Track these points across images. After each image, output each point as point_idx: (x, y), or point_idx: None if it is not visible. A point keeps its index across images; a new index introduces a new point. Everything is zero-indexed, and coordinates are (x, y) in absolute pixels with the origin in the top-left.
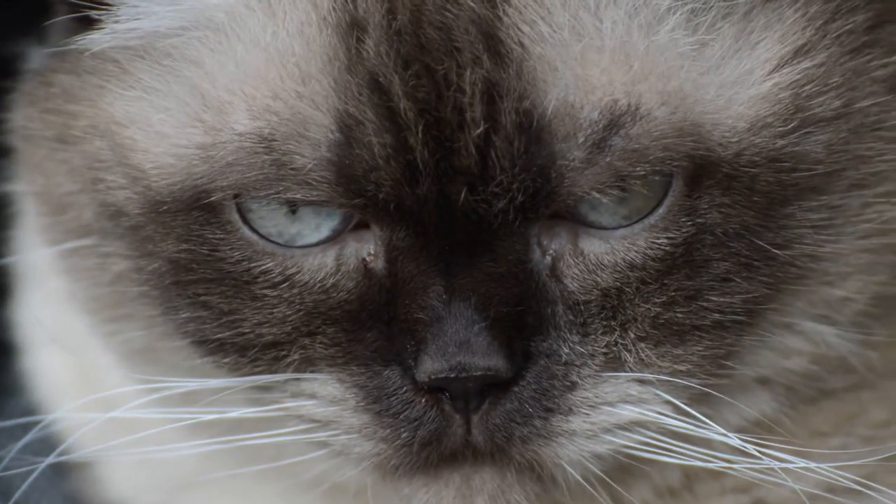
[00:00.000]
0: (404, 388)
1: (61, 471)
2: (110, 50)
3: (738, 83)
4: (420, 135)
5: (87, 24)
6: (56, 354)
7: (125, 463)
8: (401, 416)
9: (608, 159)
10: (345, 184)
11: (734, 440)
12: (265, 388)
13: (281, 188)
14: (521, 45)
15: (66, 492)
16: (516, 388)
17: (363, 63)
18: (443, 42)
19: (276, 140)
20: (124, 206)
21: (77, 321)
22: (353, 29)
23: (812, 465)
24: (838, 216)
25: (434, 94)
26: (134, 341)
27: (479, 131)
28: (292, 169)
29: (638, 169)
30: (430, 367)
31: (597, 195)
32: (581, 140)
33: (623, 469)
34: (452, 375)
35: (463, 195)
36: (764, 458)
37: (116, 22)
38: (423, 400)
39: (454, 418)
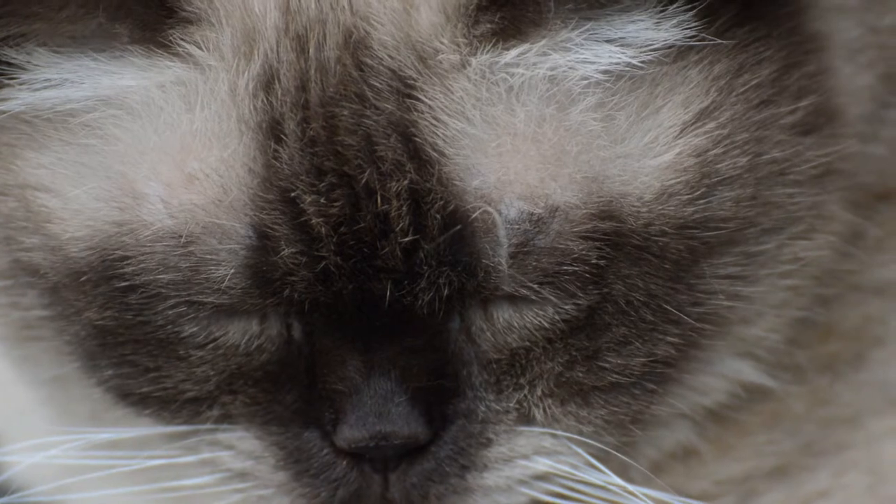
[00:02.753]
0: (324, 451)
1: None
2: (22, 113)
3: (644, 153)
4: (333, 246)
5: None
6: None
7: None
8: (321, 477)
9: (529, 258)
10: (260, 286)
11: (637, 494)
12: (184, 436)
13: (193, 291)
14: (438, 147)
15: None
16: (434, 449)
17: (278, 174)
18: (361, 150)
19: (194, 244)
20: (42, 268)
21: None
22: (270, 136)
23: None
24: (753, 263)
25: (351, 205)
26: (50, 389)
27: (407, 240)
28: (207, 278)
29: (556, 261)
30: (349, 435)
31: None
32: (502, 236)
33: None
34: (372, 444)
35: (388, 292)
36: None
37: (29, 87)
38: (344, 462)
39: (373, 479)
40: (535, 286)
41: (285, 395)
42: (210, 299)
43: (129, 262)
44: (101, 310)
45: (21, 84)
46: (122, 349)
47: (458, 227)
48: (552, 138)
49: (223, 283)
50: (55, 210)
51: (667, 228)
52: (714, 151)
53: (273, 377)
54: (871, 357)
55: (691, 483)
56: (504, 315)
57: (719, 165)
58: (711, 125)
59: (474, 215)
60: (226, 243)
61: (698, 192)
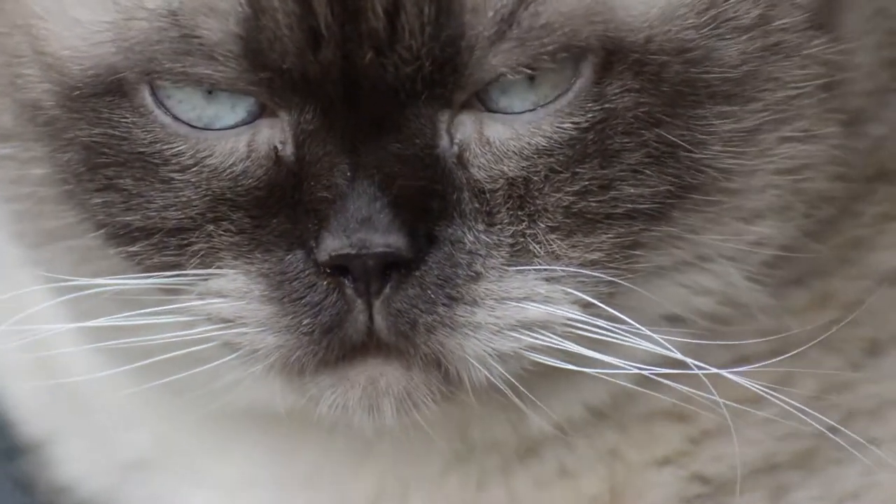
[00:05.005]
0: (306, 272)
1: (11, 454)
2: None
3: None
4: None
5: None
6: None
7: (77, 443)
8: (302, 302)
9: (516, 33)
10: (251, 57)
11: (647, 332)
12: (174, 292)
13: (188, 62)
14: None
15: (15, 476)
16: (418, 273)
17: None
18: None
19: (184, 14)
20: (40, 100)
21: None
22: None
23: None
24: (752, 144)
25: None
26: (54, 256)
27: None
28: (199, 43)
29: (546, 46)
30: (329, 244)
31: (506, 72)
32: (490, 14)
33: (543, 380)
34: (353, 252)
35: (369, 58)
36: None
37: None
38: (325, 283)
39: (356, 302)
40: (521, 68)
41: (271, 219)
42: (206, 70)
43: (123, 61)
44: (91, 126)
45: None
46: (106, 171)
47: None
48: None
49: (213, 46)
50: (55, 31)
51: (667, 47)
52: None
53: (259, 202)
54: (891, 350)
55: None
56: (500, 136)
57: (729, 7)
58: None
59: None
60: (217, 5)
61: (703, 20)
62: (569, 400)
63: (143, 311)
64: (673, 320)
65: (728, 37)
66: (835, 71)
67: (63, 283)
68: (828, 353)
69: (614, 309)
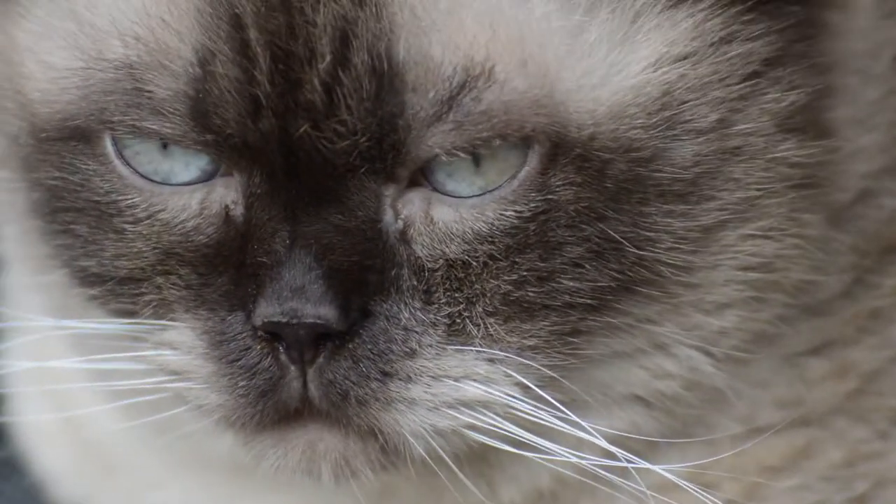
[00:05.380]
0: (243, 335)
1: (18, 465)
2: None
3: (610, 72)
4: (266, 67)
5: None
6: None
7: (58, 447)
8: (238, 364)
9: (456, 117)
10: (197, 118)
11: (586, 426)
12: (135, 339)
13: (137, 116)
14: None
15: (22, 487)
16: (351, 346)
17: None
18: None
19: (138, 68)
20: (18, 136)
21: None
22: None
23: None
24: (710, 241)
25: (286, 27)
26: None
27: (324, 65)
28: (149, 98)
29: (483, 132)
30: (263, 310)
31: (440, 154)
32: (432, 94)
33: (486, 463)
34: (284, 320)
35: (303, 130)
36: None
37: None
38: (259, 347)
39: (290, 368)
40: (456, 151)
41: (217, 277)
42: (153, 125)
43: (83, 108)
44: (54, 169)
45: None
46: (65, 216)
47: (385, 68)
48: (508, 18)
49: (161, 102)
50: (31, 71)
51: (612, 145)
52: (682, 93)
53: (207, 259)
54: None
55: None
56: (445, 218)
57: (685, 109)
58: (687, 69)
59: (404, 62)
60: (169, 64)
61: (653, 121)
62: (510, 484)
63: (104, 356)
64: (639, 400)
65: (682, 138)
66: (812, 170)
67: (29, 323)
68: (854, 422)
69: (562, 392)
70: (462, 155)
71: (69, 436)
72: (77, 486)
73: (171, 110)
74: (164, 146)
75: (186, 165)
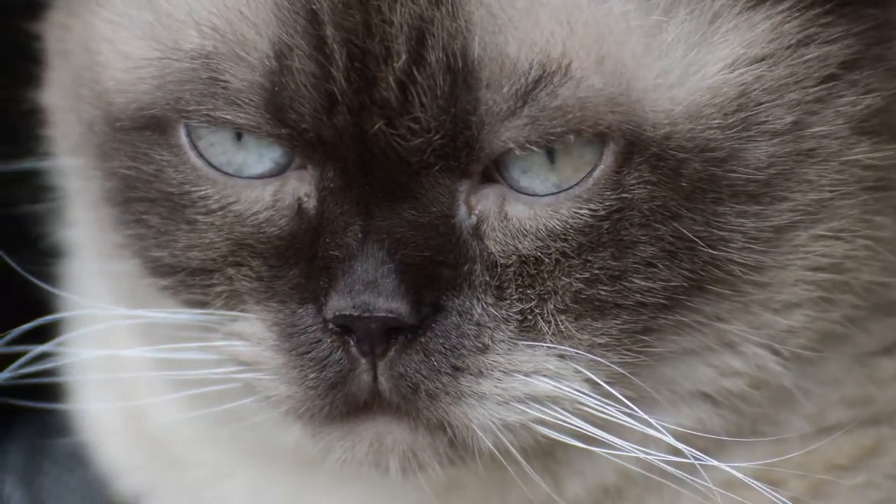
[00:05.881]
0: (314, 327)
1: (81, 457)
2: None
3: (687, 72)
4: (342, 64)
5: None
6: None
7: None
8: (308, 356)
9: (531, 112)
10: (272, 111)
11: (653, 423)
12: (205, 329)
13: (212, 105)
14: None
15: (85, 479)
16: (423, 340)
17: None
18: None
19: (214, 58)
20: (93, 124)
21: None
22: None
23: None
24: (782, 241)
25: (362, 25)
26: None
27: (400, 64)
28: (224, 88)
29: (558, 128)
30: (335, 304)
31: (514, 148)
32: (507, 90)
33: (553, 458)
34: (356, 314)
35: (378, 127)
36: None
37: None
38: (330, 340)
39: (359, 361)
40: (530, 145)
41: (288, 270)
42: (228, 115)
43: (157, 97)
44: (128, 159)
45: None
46: (138, 206)
47: (460, 65)
48: (586, 16)
49: (237, 93)
50: (109, 59)
51: (687, 145)
52: (759, 94)
53: (279, 252)
54: None
55: None
56: (519, 214)
57: (761, 110)
58: (764, 71)
59: (480, 60)
60: (246, 55)
61: (729, 122)
62: (576, 479)
63: (175, 345)
64: (705, 397)
65: (757, 139)
66: (885, 172)
67: (99, 312)
68: None
69: (630, 389)
70: (535, 149)
71: (132, 427)
72: (138, 478)
73: (247, 101)
74: (238, 137)
75: (260, 157)
